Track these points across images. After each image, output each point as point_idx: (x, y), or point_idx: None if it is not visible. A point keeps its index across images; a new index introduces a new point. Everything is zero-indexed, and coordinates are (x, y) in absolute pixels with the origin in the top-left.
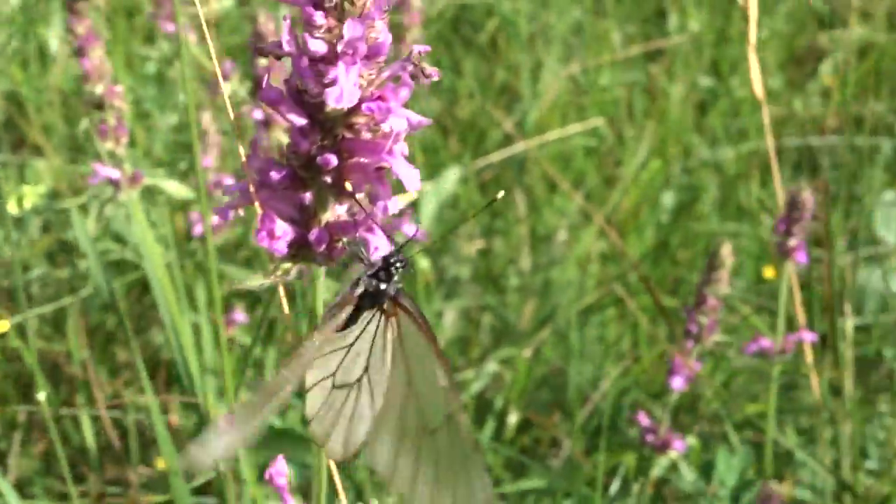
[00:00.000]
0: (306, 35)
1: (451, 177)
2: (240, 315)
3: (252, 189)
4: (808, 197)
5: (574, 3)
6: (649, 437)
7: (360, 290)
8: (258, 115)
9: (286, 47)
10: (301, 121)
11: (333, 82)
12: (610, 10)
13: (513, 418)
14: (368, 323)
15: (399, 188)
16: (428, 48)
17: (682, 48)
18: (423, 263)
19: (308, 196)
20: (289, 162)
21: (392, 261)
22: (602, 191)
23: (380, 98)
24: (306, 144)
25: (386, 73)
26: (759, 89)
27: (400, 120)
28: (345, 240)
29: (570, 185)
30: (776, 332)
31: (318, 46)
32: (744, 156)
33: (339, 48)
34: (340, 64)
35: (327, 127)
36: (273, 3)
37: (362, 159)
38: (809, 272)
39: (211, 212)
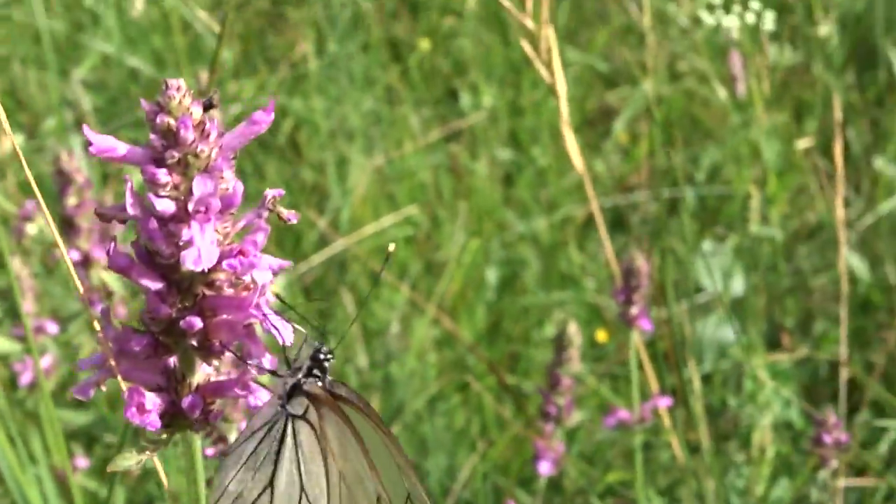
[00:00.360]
0: (151, 195)
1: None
2: (81, 460)
3: (112, 362)
4: (643, 264)
5: (366, 93)
6: None
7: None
8: (74, 255)
9: (130, 210)
10: (156, 285)
11: (189, 243)
12: (403, 97)
13: None
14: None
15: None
16: (282, 191)
17: (479, 125)
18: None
19: (172, 360)
20: (148, 328)
21: (322, 354)
22: (427, 277)
23: (240, 252)
24: (165, 309)
25: (241, 223)
26: (578, 162)
27: (264, 273)
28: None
29: (395, 276)
30: (630, 400)
31: (165, 206)
32: (557, 224)
33: (190, 207)
34: (194, 224)
35: (185, 287)
36: (64, 136)
37: (228, 316)
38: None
39: (70, 390)
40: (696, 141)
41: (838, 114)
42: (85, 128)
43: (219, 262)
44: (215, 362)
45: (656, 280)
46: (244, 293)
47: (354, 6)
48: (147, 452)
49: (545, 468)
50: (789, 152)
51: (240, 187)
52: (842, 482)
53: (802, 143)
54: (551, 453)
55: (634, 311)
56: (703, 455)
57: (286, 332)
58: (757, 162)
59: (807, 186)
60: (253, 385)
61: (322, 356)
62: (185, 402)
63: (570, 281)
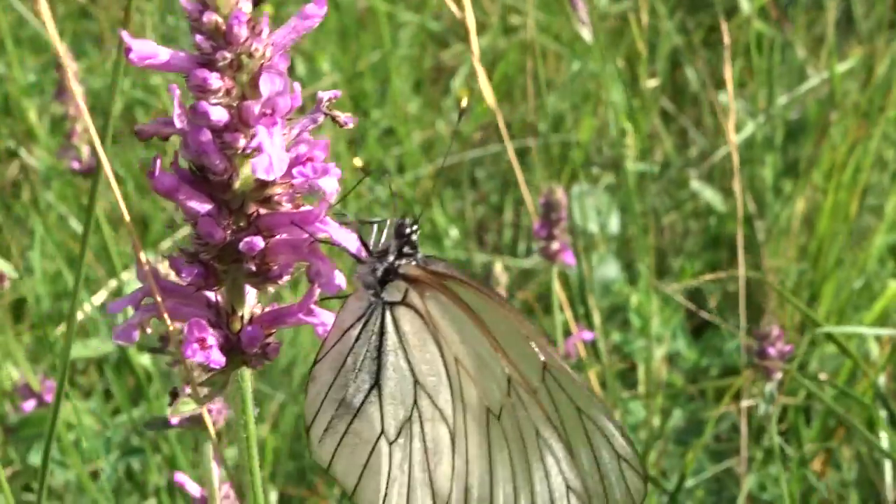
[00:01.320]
0: (202, 103)
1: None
2: None
3: (159, 298)
4: (561, 196)
5: None
6: None
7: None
8: None
9: (178, 122)
10: (206, 206)
11: (258, 150)
12: None
13: None
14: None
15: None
16: (338, 93)
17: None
18: None
19: (215, 296)
20: (197, 258)
21: (408, 228)
22: None
23: (308, 159)
24: (220, 232)
25: (297, 129)
26: (490, 98)
27: (331, 179)
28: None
29: None
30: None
31: (219, 114)
32: (410, 183)
33: (257, 109)
34: (261, 128)
35: (236, 207)
36: None
37: (287, 235)
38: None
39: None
40: (535, 93)
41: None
42: (124, 34)
43: (288, 170)
44: (270, 289)
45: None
46: (307, 209)
47: None
48: (207, 395)
49: None
50: (633, 94)
51: (297, 87)
52: (745, 402)
53: (650, 83)
54: None
55: (556, 245)
56: (608, 390)
57: (354, 243)
58: (599, 107)
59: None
60: (317, 309)
61: (408, 230)
62: (245, 334)
63: (433, 239)
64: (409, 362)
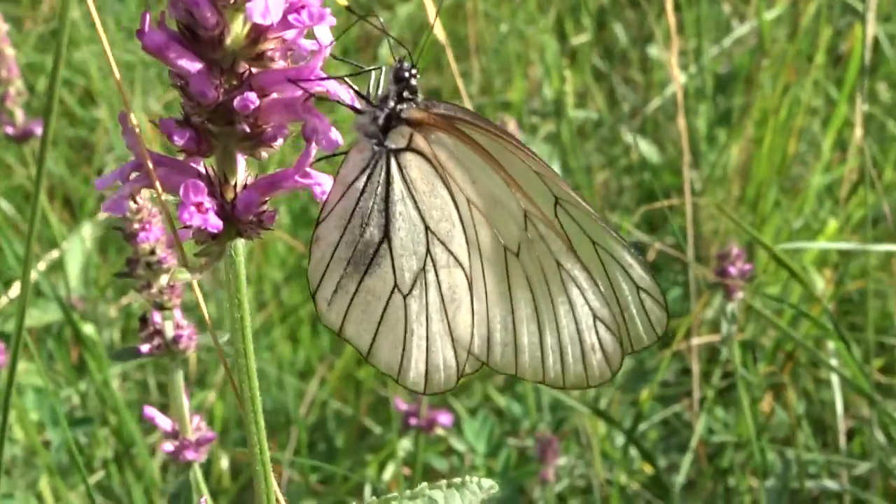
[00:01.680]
0: None
1: (87, 230)
2: None
3: (149, 166)
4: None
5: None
6: (413, 421)
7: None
8: None
9: None
10: (196, 65)
11: None
12: None
13: None
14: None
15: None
16: None
17: None
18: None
19: (204, 167)
20: (189, 121)
21: (406, 72)
22: None
23: (301, 7)
24: (212, 91)
25: None
26: (455, 67)
27: (326, 28)
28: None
29: None
30: None
31: None
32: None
33: None
34: None
35: (227, 66)
36: None
37: (282, 94)
38: None
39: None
40: (462, 57)
41: None
42: None
43: (282, 18)
44: (264, 154)
45: None
46: (301, 64)
47: None
48: (204, 265)
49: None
50: (563, 52)
51: None
52: (696, 341)
53: (580, 38)
54: None
55: None
56: None
57: (351, 98)
58: (529, 69)
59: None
60: (314, 172)
61: (407, 73)
62: (241, 199)
63: None
64: (418, 210)
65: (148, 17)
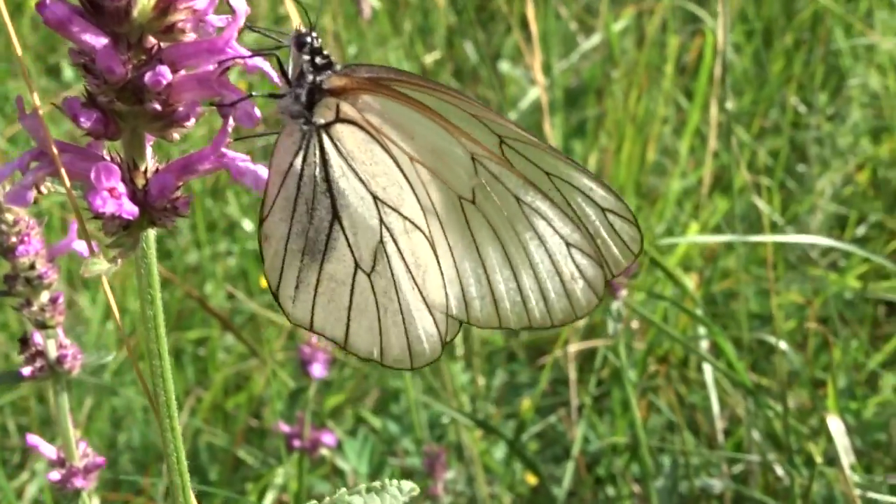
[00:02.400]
0: None
1: None
2: None
3: (54, 151)
4: None
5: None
6: (296, 442)
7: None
8: None
9: None
10: (102, 40)
11: None
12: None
13: None
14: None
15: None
16: None
17: None
18: None
19: (111, 155)
20: (95, 101)
21: (310, 39)
22: None
23: None
24: (120, 67)
25: None
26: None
27: None
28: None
29: None
30: None
31: None
32: None
33: None
34: None
35: (134, 40)
36: None
37: (193, 69)
38: None
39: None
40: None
41: None
42: None
43: None
44: (175, 135)
45: None
46: (216, 36)
47: None
48: (117, 255)
49: (318, 371)
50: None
51: None
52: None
53: (429, 57)
54: (322, 354)
55: None
56: None
57: (271, 72)
58: None
59: None
60: (231, 152)
61: (309, 38)
62: (155, 183)
63: None
64: (362, 181)
65: None
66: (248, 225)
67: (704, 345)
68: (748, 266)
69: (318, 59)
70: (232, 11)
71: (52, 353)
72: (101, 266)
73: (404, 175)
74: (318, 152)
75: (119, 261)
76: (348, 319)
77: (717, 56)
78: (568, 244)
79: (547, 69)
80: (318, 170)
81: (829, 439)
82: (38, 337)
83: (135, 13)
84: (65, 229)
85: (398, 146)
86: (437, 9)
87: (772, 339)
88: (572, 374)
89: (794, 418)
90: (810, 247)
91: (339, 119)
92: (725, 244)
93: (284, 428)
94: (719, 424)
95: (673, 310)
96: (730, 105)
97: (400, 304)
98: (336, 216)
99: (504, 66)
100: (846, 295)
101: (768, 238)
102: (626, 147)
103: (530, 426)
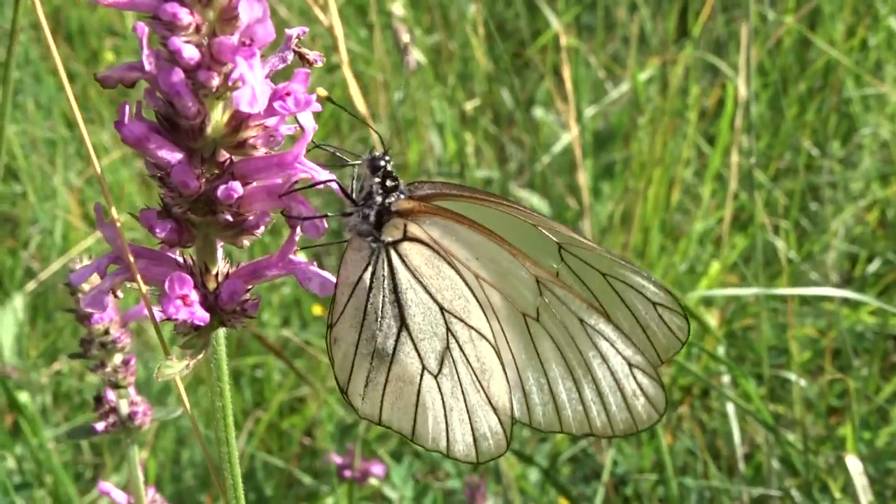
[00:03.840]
0: (173, 39)
1: (18, 302)
2: None
3: (130, 259)
4: None
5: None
6: (347, 473)
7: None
8: None
9: (147, 64)
10: (177, 155)
11: (240, 81)
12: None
13: None
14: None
15: None
16: (305, 29)
17: None
18: None
19: (184, 257)
20: (170, 212)
21: (381, 161)
22: None
23: (287, 93)
24: (194, 181)
25: (266, 69)
26: (359, 99)
27: (309, 115)
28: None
29: None
30: None
31: (191, 52)
32: None
33: (235, 39)
34: (240, 59)
35: (208, 155)
36: None
37: (264, 181)
38: None
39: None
40: (359, 124)
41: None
42: None
43: (268, 105)
44: (245, 242)
45: None
46: (284, 151)
47: None
48: (189, 357)
49: None
50: (457, 116)
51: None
52: None
53: (471, 104)
54: None
55: None
56: None
57: (332, 181)
58: (423, 131)
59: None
60: (297, 259)
61: (382, 162)
62: (225, 288)
63: None
64: (429, 293)
65: (126, 108)
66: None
67: (726, 379)
68: (766, 299)
69: (388, 182)
70: (301, 129)
71: (125, 409)
72: (174, 369)
73: (471, 290)
74: (386, 266)
75: (191, 364)
76: (415, 415)
77: (738, 108)
78: (630, 364)
79: (577, 115)
80: (386, 282)
81: (847, 473)
82: (110, 394)
83: (208, 130)
84: (137, 296)
85: (463, 264)
86: (475, 57)
87: (790, 376)
88: None
89: (811, 447)
90: (823, 282)
91: (406, 237)
92: (742, 282)
93: (336, 459)
94: (740, 452)
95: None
96: (752, 160)
97: (466, 404)
98: (404, 324)
99: (538, 111)
100: (858, 328)
101: (787, 291)
102: (652, 188)
103: (563, 451)
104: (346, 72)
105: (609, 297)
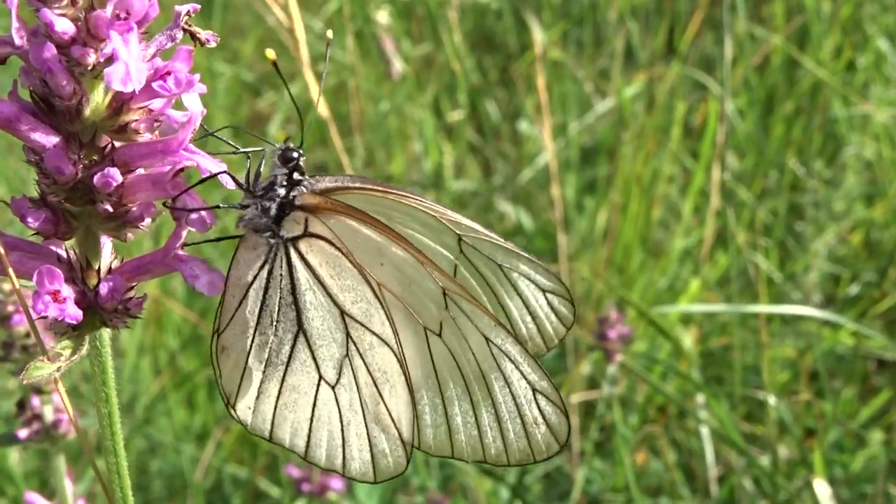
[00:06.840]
0: (44, 11)
1: None
2: None
3: (1, 252)
4: None
5: None
6: (305, 487)
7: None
8: None
9: (17, 38)
10: (52, 139)
11: (112, 58)
12: None
13: None
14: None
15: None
16: (196, 6)
17: None
18: None
19: (65, 251)
20: (45, 200)
21: (294, 153)
22: None
23: (168, 72)
24: (70, 167)
25: (153, 48)
26: (323, 109)
27: (194, 98)
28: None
29: None
30: None
31: (64, 25)
32: None
33: (108, 10)
34: (113, 33)
35: (87, 139)
36: None
37: (147, 169)
38: None
39: None
40: (346, 133)
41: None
42: None
43: (146, 86)
44: (130, 235)
45: None
46: (169, 137)
47: None
48: (62, 359)
49: None
50: (440, 128)
51: None
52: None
53: (455, 114)
54: None
55: None
56: None
57: (224, 173)
58: (407, 143)
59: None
60: (185, 254)
61: (296, 154)
62: (105, 285)
63: None
64: (329, 295)
65: None
66: None
67: (700, 399)
68: (745, 319)
69: (295, 175)
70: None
71: (49, 416)
72: (43, 370)
73: (374, 292)
74: (284, 265)
75: (63, 365)
76: (310, 430)
77: (720, 123)
78: (535, 390)
79: (563, 129)
80: (283, 282)
81: (814, 497)
82: (35, 401)
83: (87, 112)
84: None
85: (368, 266)
86: (454, 68)
87: (764, 397)
88: (574, 421)
89: (783, 469)
90: (804, 302)
91: (308, 233)
92: (723, 301)
93: (294, 472)
94: (713, 473)
95: (672, 361)
96: (727, 175)
97: (364, 418)
98: (301, 328)
99: (523, 125)
100: (838, 349)
101: (760, 309)
102: (633, 205)
103: (535, 468)
104: (308, 74)
105: (504, 286)
